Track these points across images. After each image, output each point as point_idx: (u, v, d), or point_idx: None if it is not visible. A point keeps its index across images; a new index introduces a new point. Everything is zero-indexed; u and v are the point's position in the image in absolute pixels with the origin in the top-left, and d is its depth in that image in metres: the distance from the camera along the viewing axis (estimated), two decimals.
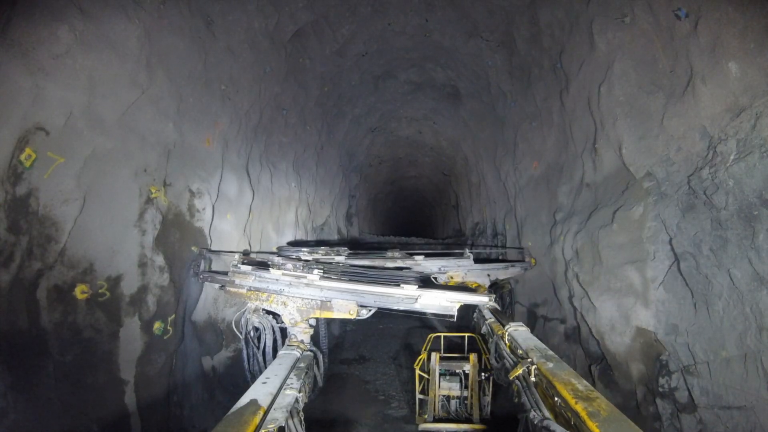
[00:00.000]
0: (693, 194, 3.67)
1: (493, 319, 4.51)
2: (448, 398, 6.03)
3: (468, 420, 5.69)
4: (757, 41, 3.07)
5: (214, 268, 5.30)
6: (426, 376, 6.10)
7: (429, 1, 7.53)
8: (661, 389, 4.01)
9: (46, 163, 3.21)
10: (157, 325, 4.36)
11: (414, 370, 6.10)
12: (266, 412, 2.42)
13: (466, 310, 5.58)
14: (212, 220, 5.43)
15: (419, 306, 4.23)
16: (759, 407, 3.08)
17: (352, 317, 4.32)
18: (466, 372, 6.08)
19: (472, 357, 6.02)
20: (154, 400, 4.28)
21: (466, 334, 6.60)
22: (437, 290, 4.28)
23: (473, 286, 6.38)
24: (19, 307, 3.08)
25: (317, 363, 4.22)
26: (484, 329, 4.73)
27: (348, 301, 4.29)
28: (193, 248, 5.11)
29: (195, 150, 5.17)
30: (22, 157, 3.04)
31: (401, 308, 4.27)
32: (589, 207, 5.38)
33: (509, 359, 3.63)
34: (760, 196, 3.02)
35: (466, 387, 6.02)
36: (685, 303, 3.81)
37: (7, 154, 2.96)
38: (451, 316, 4.18)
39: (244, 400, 2.52)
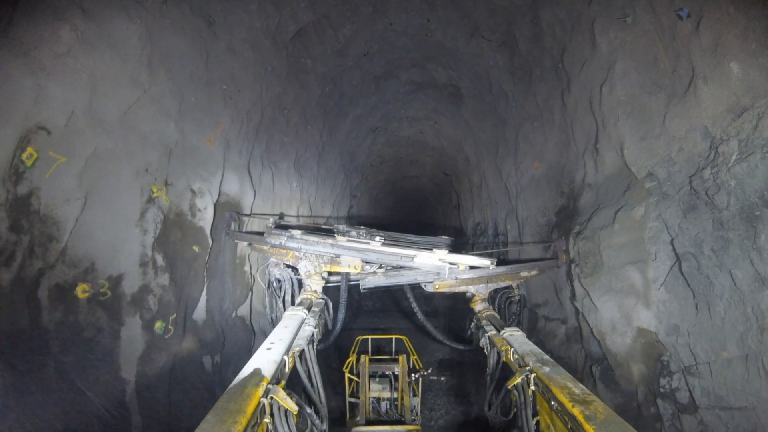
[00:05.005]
0: (694, 194, 3.66)
1: (494, 332, 4.47)
2: (378, 400, 6.04)
3: (400, 421, 5.70)
4: (758, 41, 3.06)
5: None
6: (356, 378, 6.11)
7: (430, 1, 7.52)
8: (662, 390, 4.01)
9: (47, 162, 3.22)
10: (158, 325, 4.37)
11: (344, 373, 6.12)
12: (270, 382, 2.45)
13: (456, 312, 5.54)
14: (213, 219, 5.44)
15: (416, 263, 4.83)
16: (760, 408, 3.08)
17: (357, 271, 4.93)
18: (396, 374, 6.13)
19: (402, 358, 6.08)
20: (155, 399, 4.28)
21: (394, 336, 6.66)
22: (431, 252, 4.84)
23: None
24: (20, 306, 3.09)
25: (328, 309, 4.90)
26: (482, 341, 4.68)
27: (354, 258, 4.87)
28: (226, 213, 5.77)
29: (196, 149, 5.17)
30: (24, 156, 3.05)
31: (400, 263, 4.89)
32: (591, 207, 5.37)
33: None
34: (761, 196, 3.01)
35: (396, 389, 6.04)
36: (687, 303, 3.80)
37: (9, 153, 2.97)
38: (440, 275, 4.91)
39: (247, 369, 2.53)
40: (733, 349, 3.30)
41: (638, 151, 4.44)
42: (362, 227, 5.48)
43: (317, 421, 3.09)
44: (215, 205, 5.51)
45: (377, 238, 4.90)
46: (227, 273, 5.90)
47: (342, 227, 5.34)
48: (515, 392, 3.27)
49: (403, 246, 4.99)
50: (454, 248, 5.37)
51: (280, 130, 7.92)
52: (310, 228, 5.70)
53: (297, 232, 4.95)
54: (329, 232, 5.24)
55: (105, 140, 3.73)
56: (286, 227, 5.33)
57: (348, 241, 4.86)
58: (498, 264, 5.16)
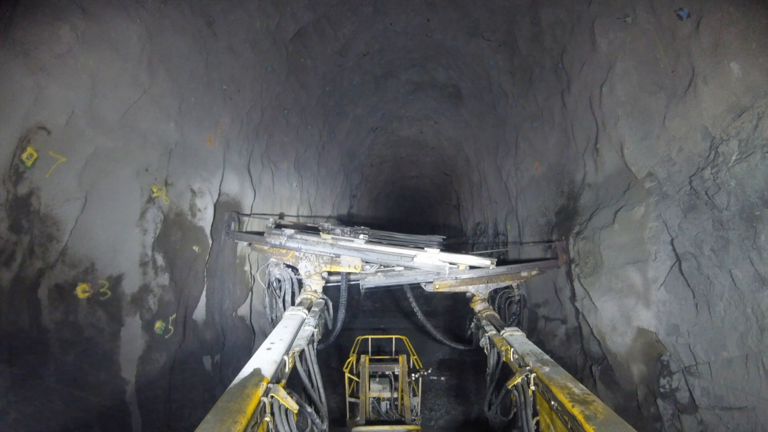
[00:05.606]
0: (694, 194, 3.66)
1: (494, 332, 4.46)
2: (378, 400, 6.06)
3: (400, 421, 5.70)
4: (758, 41, 3.06)
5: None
6: (356, 378, 6.11)
7: (430, 1, 7.52)
8: (662, 390, 4.01)
9: (47, 162, 3.22)
10: (158, 325, 4.37)
11: (344, 373, 6.13)
12: (270, 382, 2.46)
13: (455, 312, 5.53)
14: (213, 219, 5.44)
15: (416, 263, 4.81)
16: (760, 408, 3.08)
17: (357, 271, 4.90)
18: (396, 374, 6.15)
19: (402, 358, 6.09)
20: (155, 399, 4.28)
21: (394, 336, 6.65)
22: (431, 251, 4.81)
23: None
24: (20, 306, 3.09)
25: (328, 309, 4.90)
26: (482, 341, 4.67)
27: (354, 258, 4.84)
28: (226, 213, 5.76)
29: (196, 149, 5.17)
30: (24, 156, 3.05)
31: (401, 263, 4.84)
32: (591, 207, 5.37)
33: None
34: (761, 196, 3.01)
35: (396, 389, 6.05)
36: (687, 303, 3.80)
37: (9, 153, 2.97)
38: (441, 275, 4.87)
39: (247, 369, 2.54)
40: (733, 349, 3.31)
41: (638, 151, 4.44)
42: (348, 226, 5.51)
43: (317, 421, 3.11)
44: (215, 205, 5.51)
45: (361, 236, 4.91)
46: (227, 273, 5.90)
47: (327, 225, 5.39)
48: (515, 392, 3.27)
49: (389, 244, 4.99)
50: (454, 248, 5.38)
51: (280, 130, 7.92)
52: (300, 226, 5.75)
53: (291, 231, 4.99)
54: (315, 230, 5.27)
55: (105, 140, 3.73)
56: (279, 226, 5.36)
57: (333, 239, 4.87)
58: (498, 264, 5.14)
